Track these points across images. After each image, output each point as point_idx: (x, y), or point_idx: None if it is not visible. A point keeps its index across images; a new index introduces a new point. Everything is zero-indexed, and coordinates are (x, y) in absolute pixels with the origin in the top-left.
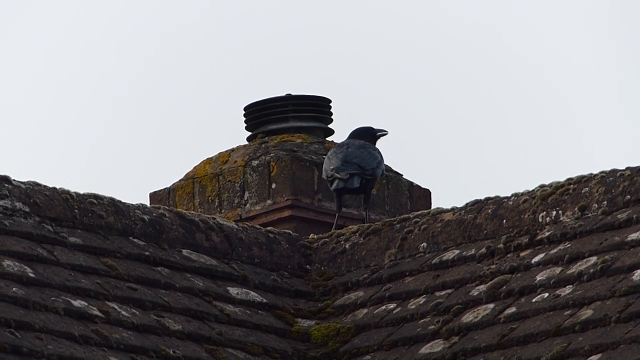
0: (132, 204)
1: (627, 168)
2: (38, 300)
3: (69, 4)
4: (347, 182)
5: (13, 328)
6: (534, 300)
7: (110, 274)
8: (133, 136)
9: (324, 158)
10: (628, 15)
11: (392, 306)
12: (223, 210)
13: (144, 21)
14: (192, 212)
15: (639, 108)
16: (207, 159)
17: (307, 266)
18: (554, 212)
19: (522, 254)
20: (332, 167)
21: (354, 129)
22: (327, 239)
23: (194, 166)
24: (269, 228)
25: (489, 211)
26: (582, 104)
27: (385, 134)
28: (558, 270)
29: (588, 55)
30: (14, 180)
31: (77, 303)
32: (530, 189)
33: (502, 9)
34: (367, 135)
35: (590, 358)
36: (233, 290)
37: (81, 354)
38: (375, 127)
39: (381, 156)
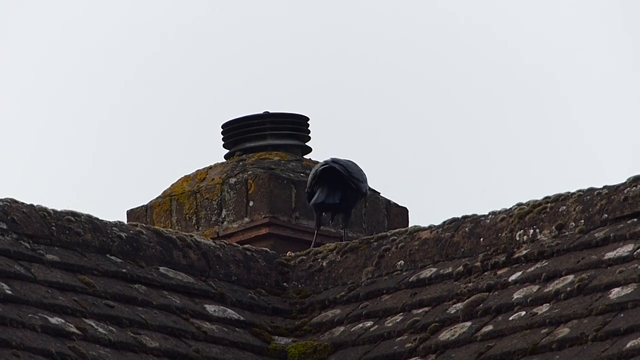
0: (109, 222)
1: (605, 187)
2: (15, 317)
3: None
4: (327, 196)
5: None
6: (510, 319)
7: (88, 291)
8: (109, 154)
9: (302, 176)
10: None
11: (369, 324)
12: (200, 228)
13: (120, 41)
14: (170, 229)
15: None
16: (185, 176)
17: (285, 284)
18: (531, 231)
19: (499, 272)
20: (316, 168)
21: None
22: (304, 257)
23: (171, 184)
24: (246, 246)
25: (466, 229)
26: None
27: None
28: (535, 288)
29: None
30: None
31: (54, 320)
32: (508, 207)
33: (491, 7)
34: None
35: None
36: (210, 308)
37: None
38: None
39: (366, 179)
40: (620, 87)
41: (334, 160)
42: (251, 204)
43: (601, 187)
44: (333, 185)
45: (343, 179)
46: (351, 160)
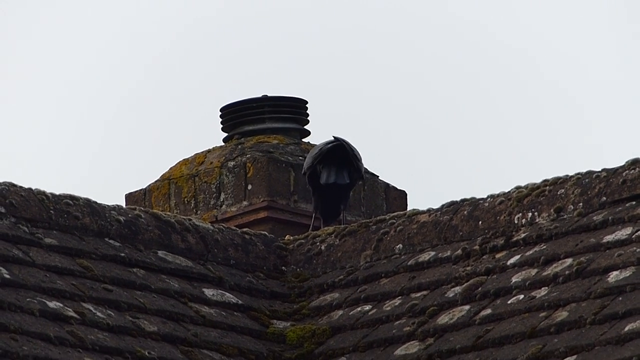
0: (107, 205)
1: (603, 169)
2: (13, 302)
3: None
4: (337, 176)
5: None
6: (509, 302)
7: (86, 275)
8: (108, 137)
9: (301, 159)
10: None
11: (367, 308)
12: (199, 212)
13: (120, 21)
14: (168, 213)
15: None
16: (183, 160)
17: (283, 267)
18: (530, 214)
19: (497, 256)
20: (318, 148)
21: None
22: (302, 241)
23: (170, 167)
24: (244, 229)
25: (465, 213)
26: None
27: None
28: (533, 271)
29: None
30: None
31: (53, 304)
32: (506, 191)
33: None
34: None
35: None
36: (208, 292)
37: (56, 355)
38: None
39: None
40: (618, 69)
41: (337, 138)
42: (250, 187)
43: (600, 170)
44: (340, 164)
45: (348, 157)
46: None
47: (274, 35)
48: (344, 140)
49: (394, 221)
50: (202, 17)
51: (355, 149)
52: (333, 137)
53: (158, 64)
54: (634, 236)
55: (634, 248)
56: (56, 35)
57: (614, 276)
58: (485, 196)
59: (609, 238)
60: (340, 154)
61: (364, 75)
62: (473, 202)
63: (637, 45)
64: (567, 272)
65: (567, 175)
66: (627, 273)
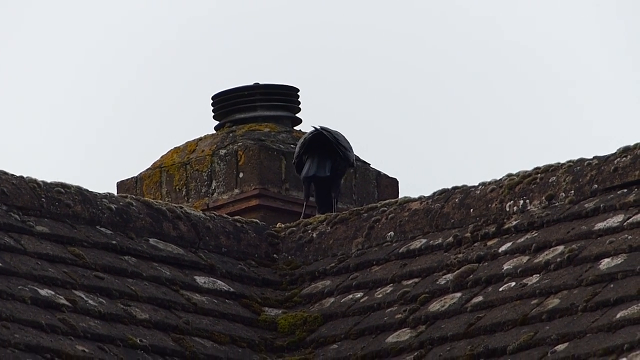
0: (99, 193)
1: (595, 157)
2: (5, 289)
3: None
4: (317, 169)
5: None
6: (500, 290)
7: (78, 263)
8: (100, 125)
9: (292, 147)
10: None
11: (359, 295)
12: (190, 200)
13: (113, 14)
14: (160, 201)
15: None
16: (175, 148)
17: (275, 255)
18: (521, 201)
19: (489, 243)
20: (304, 137)
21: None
22: (294, 228)
23: (161, 155)
24: (236, 217)
25: (456, 200)
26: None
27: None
28: (525, 259)
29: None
30: None
31: (44, 292)
32: (498, 178)
33: None
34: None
35: (556, 347)
36: (200, 279)
37: (48, 342)
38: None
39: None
40: (609, 57)
41: (322, 128)
42: (241, 175)
43: (591, 157)
44: (322, 155)
45: (332, 147)
46: (337, 130)
47: (267, 27)
48: (326, 130)
49: (386, 209)
50: (196, 9)
51: (341, 138)
52: (312, 126)
53: (151, 52)
54: (625, 223)
55: (626, 235)
56: (51, 31)
57: (605, 263)
58: (476, 184)
59: (600, 225)
60: (322, 142)
61: (355, 65)
62: (464, 190)
63: None
64: (558, 260)
65: (559, 163)
66: (618, 260)
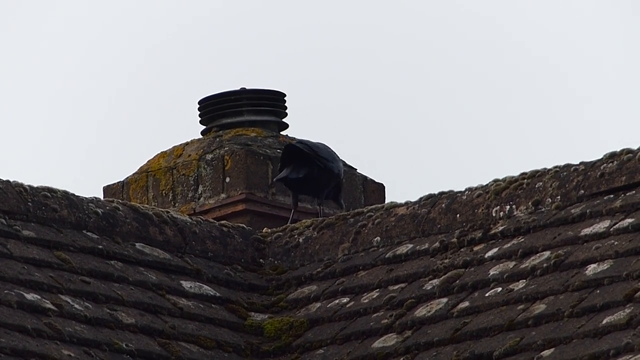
0: (85, 198)
1: (581, 163)
2: None
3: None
4: (291, 172)
5: None
6: (487, 295)
7: (64, 267)
8: (86, 130)
9: (279, 152)
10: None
11: (345, 300)
12: (177, 204)
13: (99, 23)
14: (146, 205)
15: None
16: (161, 152)
17: (261, 260)
18: (508, 207)
19: (475, 249)
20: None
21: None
22: (280, 233)
23: (148, 160)
24: (222, 222)
25: (443, 206)
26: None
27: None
28: (511, 264)
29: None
30: None
31: (30, 296)
32: (484, 183)
33: None
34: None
35: (543, 352)
36: (186, 284)
37: (34, 347)
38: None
39: (339, 160)
40: (615, 55)
41: (300, 141)
42: (228, 180)
43: (578, 163)
44: (299, 163)
45: (309, 158)
46: (323, 142)
47: (253, 32)
48: (304, 142)
49: (372, 214)
50: (183, 16)
51: (321, 150)
52: (298, 140)
53: (139, 56)
54: (611, 229)
55: (612, 241)
56: (47, 32)
57: (591, 269)
58: (463, 189)
59: (586, 231)
60: (299, 154)
61: (342, 69)
62: (451, 195)
63: None
64: (544, 265)
65: (545, 169)
66: (604, 266)
